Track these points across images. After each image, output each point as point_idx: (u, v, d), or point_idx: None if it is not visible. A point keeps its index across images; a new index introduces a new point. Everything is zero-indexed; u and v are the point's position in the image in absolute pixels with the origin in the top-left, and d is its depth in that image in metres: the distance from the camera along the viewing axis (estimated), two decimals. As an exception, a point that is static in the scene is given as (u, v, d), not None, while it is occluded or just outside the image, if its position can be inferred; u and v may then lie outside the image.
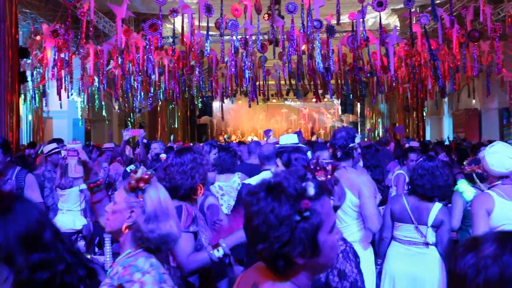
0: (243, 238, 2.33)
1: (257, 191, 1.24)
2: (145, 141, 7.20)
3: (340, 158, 3.45)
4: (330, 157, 3.90)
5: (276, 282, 1.27)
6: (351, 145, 3.44)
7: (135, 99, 15.80)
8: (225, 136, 22.51)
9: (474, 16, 12.04)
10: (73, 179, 5.84)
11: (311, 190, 1.22)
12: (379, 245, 3.79)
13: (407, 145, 7.48)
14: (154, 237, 1.78)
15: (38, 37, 12.61)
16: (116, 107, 17.91)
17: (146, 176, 1.81)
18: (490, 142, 11.02)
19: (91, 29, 10.27)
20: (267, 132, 10.69)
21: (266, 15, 12.14)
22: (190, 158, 2.60)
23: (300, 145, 4.76)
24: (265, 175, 3.81)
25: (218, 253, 2.36)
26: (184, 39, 12.35)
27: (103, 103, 15.69)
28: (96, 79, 13.77)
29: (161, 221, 1.80)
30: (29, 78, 13.10)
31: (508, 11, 12.32)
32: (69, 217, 5.65)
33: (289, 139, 4.79)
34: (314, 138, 17.81)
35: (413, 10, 13.72)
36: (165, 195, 1.87)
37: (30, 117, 14.36)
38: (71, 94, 14.16)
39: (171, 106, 18.74)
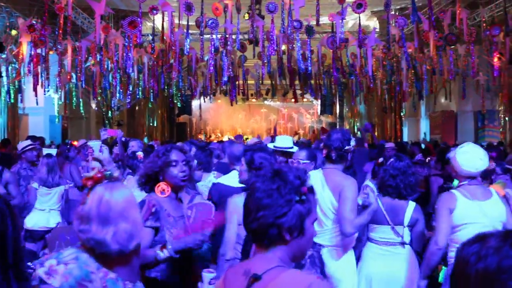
0: (190, 243, 2.45)
1: (264, 173, 1.52)
2: (123, 139, 7.15)
3: (334, 161, 3.44)
4: (307, 157, 3.91)
5: (264, 253, 1.50)
6: (346, 147, 3.43)
7: (113, 96, 15.60)
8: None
9: (451, 20, 12.24)
10: (60, 178, 5.79)
11: (310, 182, 1.51)
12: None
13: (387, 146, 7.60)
14: (84, 239, 1.69)
15: (13, 32, 12.36)
16: (94, 105, 17.69)
17: (99, 175, 1.74)
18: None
19: (68, 24, 10.09)
20: (238, 138, 10.72)
21: (247, 15, 12.14)
22: (155, 153, 2.77)
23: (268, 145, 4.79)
24: (234, 174, 3.81)
25: (163, 254, 2.40)
26: (164, 37, 12.27)
27: (80, 100, 15.47)
28: (74, 76, 13.56)
29: (96, 224, 1.68)
30: (3, 74, 12.85)
31: (483, 16, 12.58)
32: (46, 215, 5.58)
33: (284, 142, 4.82)
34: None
35: (392, 12, 13.94)
36: (116, 200, 1.72)
37: (5, 114, 14.08)
38: (48, 91, 13.92)
39: (150, 104, 18.58)
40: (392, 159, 3.69)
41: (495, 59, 11.50)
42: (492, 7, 13.10)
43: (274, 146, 4.72)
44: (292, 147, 4.67)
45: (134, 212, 1.79)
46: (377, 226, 3.57)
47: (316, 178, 3.39)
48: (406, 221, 3.51)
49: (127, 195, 1.77)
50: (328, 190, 3.33)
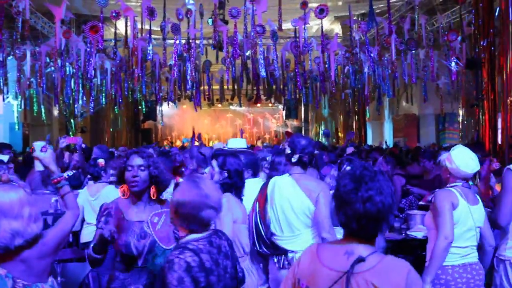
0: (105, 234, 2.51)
1: (372, 174, 1.71)
2: (83, 145, 7.05)
3: (303, 165, 3.43)
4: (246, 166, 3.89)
5: (367, 245, 1.70)
6: (315, 152, 3.50)
7: (76, 103, 15.30)
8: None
9: (411, 26, 12.57)
10: None
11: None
12: None
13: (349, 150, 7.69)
14: None
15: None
16: (56, 112, 17.29)
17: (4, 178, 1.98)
18: (430, 146, 11.55)
19: (27, 28, 9.86)
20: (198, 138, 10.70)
21: (210, 20, 12.11)
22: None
23: (245, 149, 4.81)
24: None
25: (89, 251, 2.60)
26: (128, 43, 12.12)
27: (42, 106, 15.10)
28: (34, 82, 13.23)
29: None
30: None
31: (441, 22, 12.97)
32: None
33: (237, 143, 4.84)
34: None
35: (355, 18, 14.21)
36: (4, 201, 1.94)
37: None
38: (7, 97, 13.54)
39: (116, 110, 18.29)
40: (345, 165, 3.72)
41: (453, 64, 11.84)
42: (449, 14, 13.54)
43: (227, 148, 4.77)
44: (246, 147, 4.72)
45: (24, 212, 1.95)
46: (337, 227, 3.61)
47: (286, 183, 3.40)
48: None
49: (13, 197, 1.95)
50: (304, 195, 3.32)
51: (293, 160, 3.39)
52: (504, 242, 3.29)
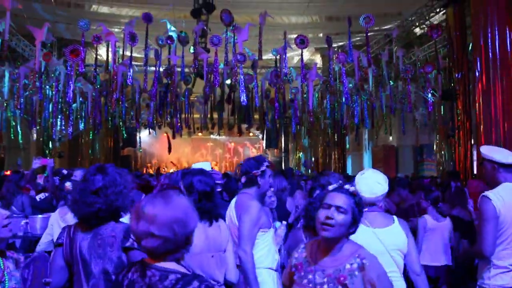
0: None
1: None
2: (65, 171, 7.07)
3: (244, 185, 3.50)
4: None
5: None
6: (254, 171, 3.46)
7: (54, 127, 15.11)
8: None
9: (389, 58, 12.89)
10: None
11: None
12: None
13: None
14: None
15: None
16: (34, 135, 17.04)
17: None
18: (407, 176, 11.66)
19: (5, 49, 9.81)
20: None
21: (192, 48, 12.19)
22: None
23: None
24: None
25: None
26: (109, 68, 12.12)
27: (19, 129, 14.87)
28: (12, 104, 13.07)
29: None
30: None
31: (418, 55, 13.34)
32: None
33: (202, 166, 4.79)
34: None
35: (334, 49, 14.51)
36: None
37: None
38: (-17, 119, 13.36)
39: (91, 135, 18.10)
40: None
41: (429, 95, 12.11)
42: (425, 48, 13.95)
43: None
44: (212, 170, 4.69)
45: None
46: None
47: (232, 203, 3.51)
48: None
49: None
50: (234, 213, 3.40)
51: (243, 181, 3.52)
52: (486, 271, 3.18)
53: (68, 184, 5.01)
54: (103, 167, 2.55)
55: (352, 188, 2.36)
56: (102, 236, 2.42)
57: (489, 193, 3.20)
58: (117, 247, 2.41)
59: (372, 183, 2.96)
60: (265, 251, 3.39)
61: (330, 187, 2.41)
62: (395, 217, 3.06)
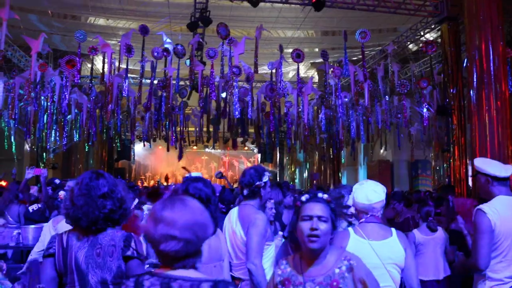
0: None
1: None
2: (58, 181, 7.03)
3: (246, 196, 3.42)
4: None
5: None
6: (257, 183, 3.40)
7: (48, 138, 15.03)
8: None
9: (385, 73, 12.96)
10: None
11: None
12: None
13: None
14: None
15: None
16: (28, 146, 16.95)
17: None
18: (403, 191, 11.65)
19: (0, 59, 9.78)
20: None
21: (188, 61, 12.21)
22: None
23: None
24: None
25: None
26: (105, 79, 12.11)
27: (13, 140, 14.78)
28: (6, 114, 13.00)
29: None
30: None
31: (413, 71, 13.44)
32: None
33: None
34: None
35: (330, 64, 14.58)
36: None
37: None
38: (-24, 129, 13.27)
39: (87, 148, 17.99)
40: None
41: (425, 110, 12.15)
42: (421, 63, 14.05)
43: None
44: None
45: None
46: None
47: (233, 214, 3.43)
48: None
49: None
50: (239, 225, 3.33)
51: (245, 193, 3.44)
52: (482, 284, 3.16)
53: (62, 193, 4.98)
54: (101, 173, 2.51)
55: (325, 196, 2.36)
56: (102, 245, 2.35)
57: (484, 207, 3.17)
58: (117, 256, 2.34)
59: (368, 190, 2.91)
60: (269, 264, 3.35)
61: (303, 198, 2.37)
62: (393, 229, 2.98)
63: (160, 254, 1.69)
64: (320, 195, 2.36)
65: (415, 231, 5.27)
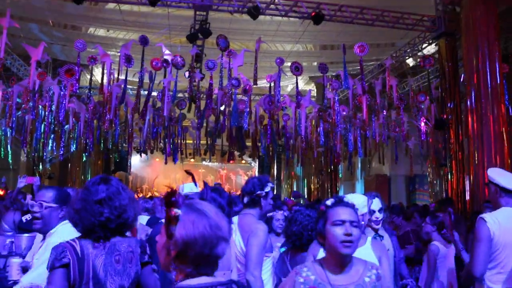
0: None
1: None
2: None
3: (246, 205, 3.40)
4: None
5: None
6: (258, 192, 3.38)
7: (45, 147, 14.97)
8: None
9: (383, 87, 13.01)
10: None
11: None
12: None
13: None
14: None
15: None
16: (24, 155, 16.88)
17: None
18: (402, 204, 11.62)
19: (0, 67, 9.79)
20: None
21: (187, 73, 12.23)
22: None
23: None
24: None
25: None
26: (104, 90, 12.11)
27: (9, 149, 14.70)
28: (3, 122, 12.97)
29: None
30: None
31: (411, 85, 13.49)
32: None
33: (190, 188, 4.74)
34: None
35: (329, 77, 14.63)
36: None
37: None
38: (-28, 138, 13.22)
39: (84, 159, 17.92)
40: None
41: (422, 124, 12.19)
42: (418, 78, 14.13)
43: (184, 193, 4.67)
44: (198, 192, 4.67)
45: None
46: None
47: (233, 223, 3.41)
48: None
49: None
50: (239, 234, 3.29)
51: (245, 201, 3.42)
52: None
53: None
54: (107, 178, 2.43)
55: (350, 200, 2.33)
56: (120, 252, 2.29)
57: (485, 216, 3.21)
58: (136, 262, 2.33)
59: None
60: (268, 275, 3.33)
61: (328, 202, 2.32)
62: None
63: (202, 261, 1.60)
64: (345, 199, 2.32)
65: (436, 243, 5.05)
